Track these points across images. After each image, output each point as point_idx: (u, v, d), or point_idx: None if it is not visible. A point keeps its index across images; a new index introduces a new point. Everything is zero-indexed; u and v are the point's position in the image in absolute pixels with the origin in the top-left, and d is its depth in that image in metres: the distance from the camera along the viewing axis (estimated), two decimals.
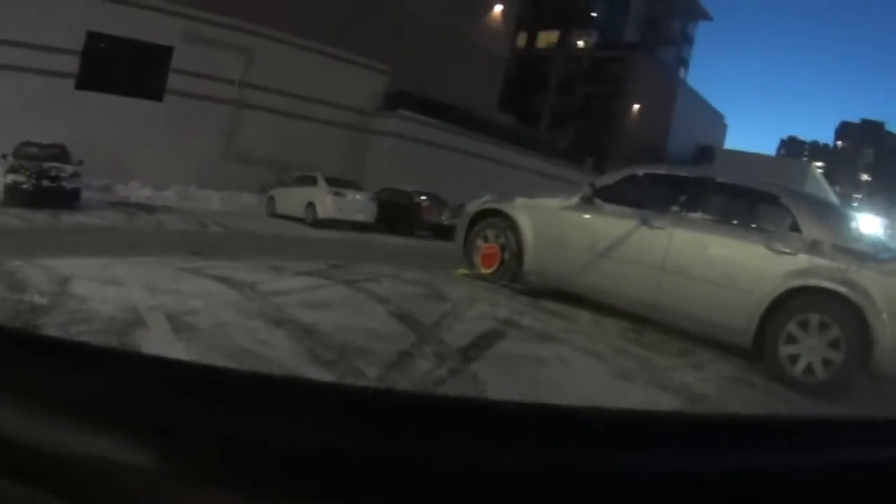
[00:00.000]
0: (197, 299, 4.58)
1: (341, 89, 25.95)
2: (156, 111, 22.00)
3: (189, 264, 6.05)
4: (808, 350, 5.28)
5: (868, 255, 5.45)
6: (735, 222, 6.05)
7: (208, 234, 13.66)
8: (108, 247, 7.65)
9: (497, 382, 3.97)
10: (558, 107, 47.05)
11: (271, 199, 21.30)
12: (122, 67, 21.56)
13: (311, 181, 19.70)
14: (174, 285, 4.99)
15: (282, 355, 3.80)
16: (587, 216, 6.63)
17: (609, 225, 6.40)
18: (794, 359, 5.33)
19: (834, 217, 6.03)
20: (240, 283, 5.27)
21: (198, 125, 22.67)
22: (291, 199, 20.05)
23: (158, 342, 3.66)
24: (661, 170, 7.16)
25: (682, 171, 7.09)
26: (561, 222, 6.74)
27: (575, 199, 6.78)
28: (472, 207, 7.53)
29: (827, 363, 5.21)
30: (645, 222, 6.19)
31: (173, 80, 22.58)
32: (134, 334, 3.73)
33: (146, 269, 5.55)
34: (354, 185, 20.43)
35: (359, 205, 19.52)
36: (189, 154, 21.97)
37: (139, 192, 20.08)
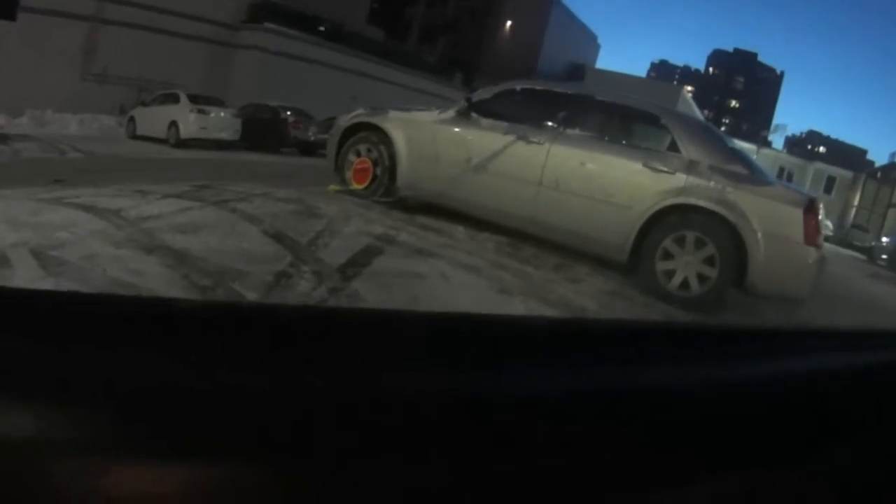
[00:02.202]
0: (62, 231, 4.30)
1: (203, 1, 24.83)
2: (8, 31, 20.44)
3: (50, 194, 5.66)
4: (684, 266, 5.45)
5: (744, 176, 5.61)
6: (613, 140, 6.10)
7: (68, 161, 12.98)
8: None
9: (378, 299, 3.93)
10: (428, 20, 46.47)
11: (131, 119, 20.37)
12: None
13: (174, 99, 18.98)
14: (37, 218, 4.65)
15: (157, 284, 3.63)
16: (463, 130, 6.54)
17: (485, 139, 6.33)
18: (669, 274, 5.49)
19: (711, 139, 6.16)
20: (105, 210, 4.98)
21: (53, 45, 21.19)
22: (153, 119, 19.22)
23: (26, 281, 3.42)
24: (539, 85, 7.11)
25: (561, 88, 7.09)
26: (436, 136, 6.62)
27: (451, 113, 6.68)
28: (344, 121, 7.31)
29: (702, 279, 5.39)
30: (522, 137, 6.15)
31: None
32: None
33: (4, 204, 5.16)
34: (218, 102, 19.78)
35: (223, 122, 18.97)
36: (44, 76, 20.62)
37: None
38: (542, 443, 0.65)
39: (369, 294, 3.95)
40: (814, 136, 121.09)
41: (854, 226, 45.03)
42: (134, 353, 0.63)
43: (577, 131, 6.13)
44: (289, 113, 20.70)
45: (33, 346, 0.61)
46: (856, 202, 48.62)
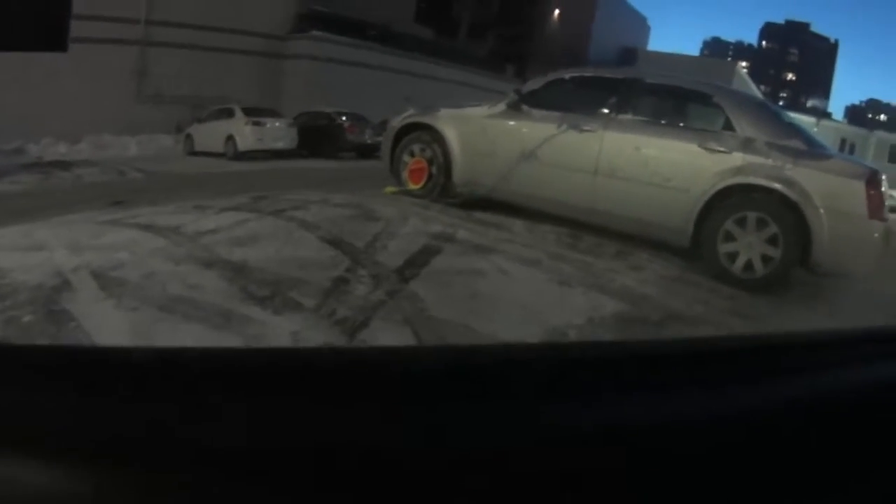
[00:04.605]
0: (122, 251, 4.36)
1: (250, 15, 25.18)
2: (61, 62, 20.96)
3: (111, 216, 5.78)
4: (747, 247, 5.34)
5: (802, 151, 5.46)
6: (667, 122, 5.99)
7: (128, 182, 13.30)
8: (25, 212, 7.29)
9: (437, 298, 3.89)
10: (476, 15, 46.36)
11: (188, 137, 20.74)
12: (18, 21, 20.36)
13: (228, 114, 19.25)
14: (97, 240, 4.75)
15: (215, 297, 3.64)
16: (515, 123, 6.49)
17: (538, 130, 6.27)
18: (732, 256, 5.38)
19: (767, 114, 6.01)
20: (164, 228, 5.05)
21: (106, 70, 21.66)
22: (209, 135, 19.53)
23: (87, 303, 3.47)
24: (588, 72, 7.05)
25: (610, 73, 7.02)
26: (488, 131, 6.59)
27: (501, 107, 6.63)
28: (396, 122, 7.33)
29: (766, 259, 5.27)
30: (575, 126, 6.08)
31: (76, 28, 21.48)
32: (62, 299, 3.51)
33: (67, 229, 5.28)
34: (273, 113, 20.02)
35: (279, 132, 19.18)
36: (100, 102, 21.07)
37: (53, 149, 19.30)
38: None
39: (428, 293, 3.92)
40: (874, 105, 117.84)
41: None
42: (139, 405, 0.60)
43: (629, 116, 6.04)
44: (343, 118, 20.84)
45: (32, 400, 0.59)
46: None
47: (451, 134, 6.73)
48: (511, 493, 0.58)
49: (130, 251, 4.40)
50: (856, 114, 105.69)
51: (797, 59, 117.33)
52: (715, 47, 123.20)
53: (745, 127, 5.62)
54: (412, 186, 6.91)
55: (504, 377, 0.74)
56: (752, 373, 0.83)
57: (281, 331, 3.34)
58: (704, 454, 0.66)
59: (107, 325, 3.24)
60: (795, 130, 5.89)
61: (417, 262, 4.56)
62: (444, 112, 6.98)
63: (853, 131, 53.05)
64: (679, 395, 0.74)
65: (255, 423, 0.60)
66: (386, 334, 3.43)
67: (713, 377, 0.82)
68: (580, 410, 0.68)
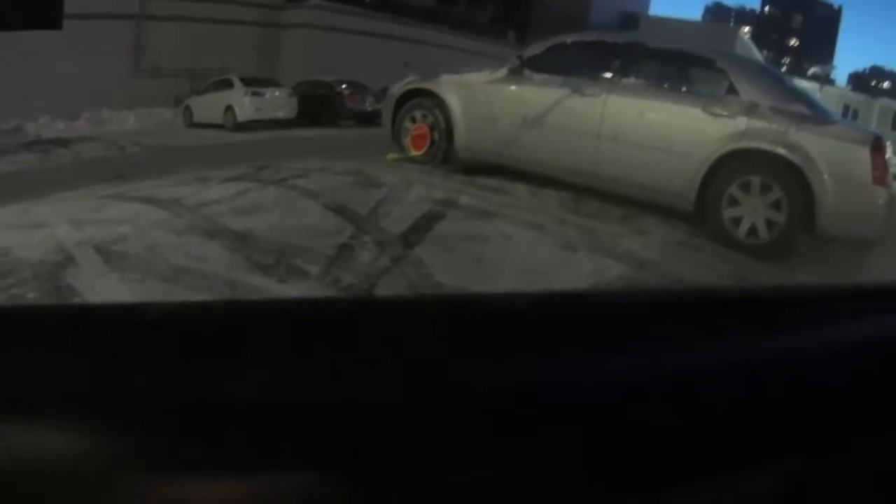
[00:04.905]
0: (125, 225, 4.40)
1: None
2: (56, 39, 20.81)
3: (112, 190, 5.80)
4: (751, 212, 5.31)
5: (806, 116, 5.43)
6: (670, 87, 5.97)
7: (127, 156, 13.29)
8: (26, 190, 7.30)
9: (441, 264, 3.90)
10: None
11: (187, 109, 20.62)
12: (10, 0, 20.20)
13: (227, 84, 19.16)
14: (99, 215, 4.78)
15: (219, 267, 3.69)
16: (517, 88, 6.45)
17: (540, 95, 6.23)
18: (737, 221, 5.36)
19: (770, 79, 5.99)
20: (166, 200, 5.08)
21: (101, 46, 21.44)
22: (208, 106, 19.42)
23: (91, 277, 3.51)
24: (590, 36, 7.00)
25: (613, 38, 6.97)
26: (490, 96, 6.55)
27: (503, 72, 6.59)
28: (397, 89, 7.27)
29: (770, 224, 5.25)
30: (577, 90, 6.04)
31: (70, 4, 21.31)
32: (65, 275, 3.54)
33: (68, 205, 5.28)
34: (272, 83, 19.91)
35: (278, 102, 19.10)
36: (97, 78, 20.86)
37: (51, 126, 19.05)
38: (543, 443, 0.59)
39: (432, 259, 3.93)
40: (878, 72, 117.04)
41: None
42: (158, 364, 0.59)
43: (632, 80, 6.01)
44: (343, 86, 20.72)
45: (56, 360, 0.58)
46: None
47: (452, 100, 6.69)
48: (511, 445, 0.57)
49: (133, 224, 4.42)
50: (859, 81, 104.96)
51: (800, 24, 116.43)
52: (717, 12, 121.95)
53: (748, 91, 5.58)
54: (414, 153, 6.88)
55: (508, 327, 0.73)
56: (751, 323, 0.81)
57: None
58: (702, 405, 0.65)
59: (111, 299, 3.24)
60: (799, 95, 5.86)
61: (421, 228, 4.57)
62: (445, 78, 6.93)
63: (856, 98, 52.59)
64: (675, 344, 0.73)
65: (256, 375, 0.59)
66: None
67: (709, 327, 0.80)
68: (582, 361, 0.67)
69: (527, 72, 6.44)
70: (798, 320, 0.85)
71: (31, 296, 3.25)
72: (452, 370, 0.63)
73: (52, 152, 14.11)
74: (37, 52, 19.80)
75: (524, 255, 4.48)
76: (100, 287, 3.38)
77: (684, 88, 5.95)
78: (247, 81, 18.98)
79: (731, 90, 5.64)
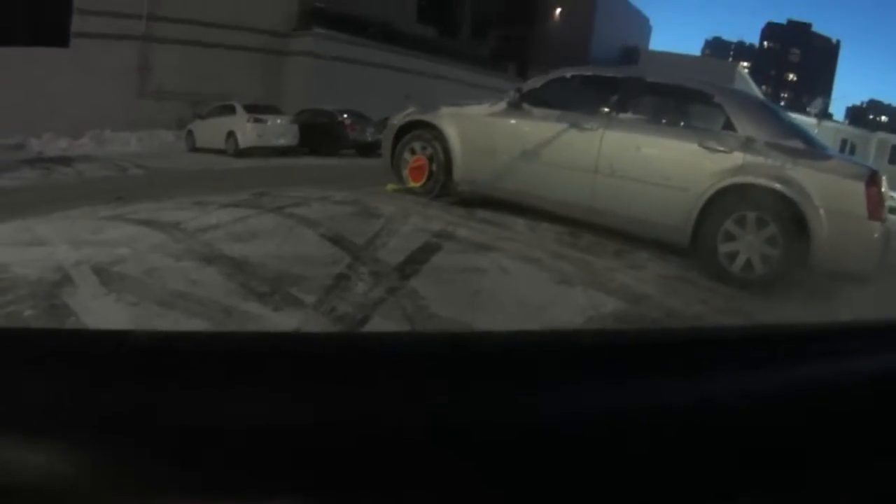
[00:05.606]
0: (123, 247, 4.40)
1: (252, 12, 25.14)
2: (62, 57, 20.94)
3: (112, 212, 5.80)
4: (747, 246, 5.34)
5: (802, 151, 5.45)
6: (667, 121, 6.00)
7: (129, 178, 13.29)
8: (27, 207, 7.33)
9: (437, 296, 3.90)
10: (478, 14, 46.33)
11: (190, 133, 20.76)
12: (20, 17, 20.36)
13: (230, 110, 19.27)
14: (98, 236, 4.78)
15: (216, 293, 3.67)
16: (515, 121, 6.50)
17: (538, 129, 6.28)
18: (732, 256, 5.38)
19: (767, 114, 6.01)
20: (165, 224, 5.09)
21: (108, 66, 21.65)
22: (211, 131, 19.55)
23: (88, 298, 3.49)
24: (588, 71, 7.04)
25: (611, 72, 7.01)
26: (489, 129, 6.60)
27: (502, 105, 6.64)
28: (397, 120, 7.35)
29: (765, 259, 5.26)
30: (575, 124, 6.09)
31: (78, 23, 21.48)
32: (62, 294, 3.53)
33: (68, 224, 5.30)
34: (274, 110, 20.03)
35: (280, 129, 19.19)
36: (101, 97, 21.05)
37: (55, 144, 19.28)
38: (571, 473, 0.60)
39: (428, 291, 3.93)
40: (875, 106, 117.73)
41: None
42: (136, 389, 0.61)
43: (629, 115, 6.03)
44: (345, 116, 20.83)
45: (41, 383, 0.59)
46: None
47: (451, 132, 6.74)
48: (503, 478, 0.59)
49: (131, 247, 4.42)
50: (857, 114, 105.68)
51: (798, 59, 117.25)
52: (716, 47, 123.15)
53: (745, 126, 5.61)
54: (413, 184, 6.92)
55: (501, 363, 0.74)
56: (749, 361, 0.83)
57: (281, 327, 3.35)
58: (697, 439, 0.67)
59: (107, 320, 3.24)
60: (795, 130, 5.88)
61: (418, 259, 4.58)
62: (445, 110, 6.99)
63: (854, 132, 52.78)
64: (675, 382, 0.75)
65: (248, 404, 0.60)
66: None
67: (709, 365, 0.82)
68: (575, 398, 0.69)
69: (526, 105, 6.49)
70: (793, 357, 0.87)
71: (28, 314, 3.25)
72: (432, 402, 0.65)
73: (55, 170, 14.10)
74: (43, 70, 19.95)
75: (520, 288, 4.48)
76: (96, 308, 3.36)
77: (682, 123, 5.97)
78: (249, 108, 19.08)
79: (728, 125, 5.68)
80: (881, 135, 52.49)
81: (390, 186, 7.05)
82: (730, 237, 5.40)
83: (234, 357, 0.69)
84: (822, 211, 5.11)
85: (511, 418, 0.64)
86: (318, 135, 19.94)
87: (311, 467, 0.55)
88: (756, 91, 45.91)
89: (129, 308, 3.42)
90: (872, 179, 5.20)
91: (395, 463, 0.57)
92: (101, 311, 3.34)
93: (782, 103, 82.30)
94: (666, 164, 5.71)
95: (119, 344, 0.72)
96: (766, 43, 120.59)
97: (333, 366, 0.69)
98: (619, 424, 0.66)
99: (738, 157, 5.46)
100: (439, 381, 0.68)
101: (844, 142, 45.79)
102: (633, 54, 45.96)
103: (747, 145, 5.48)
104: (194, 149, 19.95)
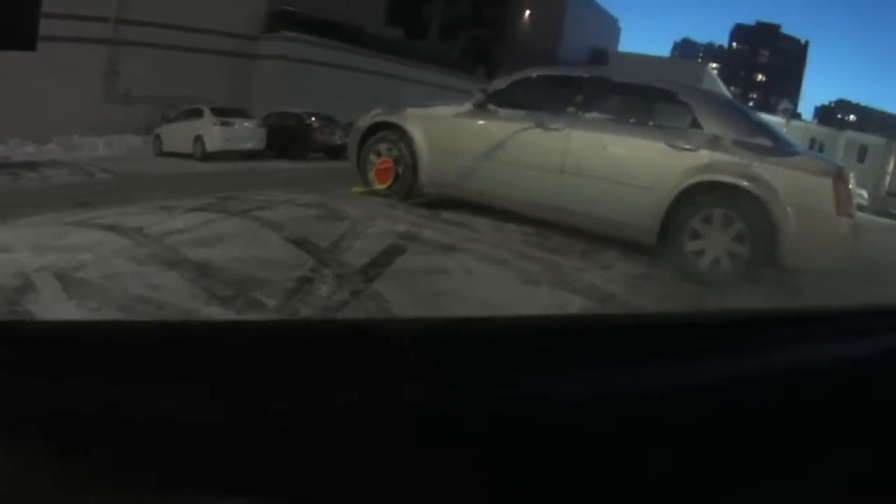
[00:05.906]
0: (86, 252, 4.36)
1: (221, 15, 24.97)
2: (29, 61, 20.65)
3: (76, 217, 5.76)
4: (714, 244, 5.35)
5: (769, 148, 5.49)
6: (634, 121, 6.01)
7: (96, 183, 13.27)
8: None
9: (401, 298, 3.90)
10: (447, 16, 46.42)
11: (157, 137, 20.60)
12: None
13: (197, 114, 19.15)
14: (62, 241, 4.74)
15: (177, 297, 3.66)
16: (481, 122, 6.49)
17: (504, 129, 6.27)
18: (699, 253, 5.40)
19: (733, 112, 6.05)
20: (129, 228, 5.04)
21: (75, 70, 21.36)
22: (178, 135, 19.39)
23: (50, 304, 3.48)
24: (554, 71, 7.06)
25: (577, 72, 7.03)
26: (455, 130, 6.59)
27: (468, 106, 6.63)
28: (363, 122, 7.31)
29: (733, 256, 5.28)
30: (541, 124, 6.08)
31: (45, 26, 21.20)
32: (24, 300, 3.51)
33: (32, 230, 5.26)
34: (242, 114, 19.93)
35: (248, 133, 19.11)
36: (68, 102, 20.78)
37: (21, 150, 19.00)
38: (554, 458, 0.59)
39: (392, 293, 3.93)
40: (844, 105, 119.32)
41: (890, 193, 43.88)
42: (130, 384, 0.59)
43: (595, 114, 6.03)
44: (313, 119, 20.77)
45: (21, 381, 0.58)
46: (890, 169, 47.46)
47: (417, 133, 6.72)
48: (493, 464, 0.58)
49: (94, 252, 4.39)
50: (826, 114, 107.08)
51: (767, 59, 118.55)
52: (685, 48, 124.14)
53: (711, 124, 5.63)
54: (379, 186, 6.89)
55: (482, 349, 0.74)
56: (731, 347, 0.84)
57: None
58: (683, 425, 0.66)
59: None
60: (762, 128, 5.93)
61: (382, 261, 4.57)
62: (410, 111, 6.96)
63: (823, 131, 53.39)
64: (662, 366, 0.75)
65: (221, 396, 0.59)
66: None
67: (694, 350, 0.82)
68: (566, 382, 0.68)
69: (491, 106, 6.48)
70: (763, 343, 0.87)
71: None
72: (409, 393, 0.63)
73: (21, 176, 14.05)
74: (9, 74, 19.62)
75: (485, 289, 4.48)
76: (57, 314, 3.36)
77: (648, 122, 5.98)
78: (217, 111, 18.97)
79: (695, 123, 5.69)
80: (850, 133, 53.21)
81: (356, 189, 7.02)
82: (696, 235, 5.42)
83: (200, 349, 0.68)
84: (789, 207, 5.13)
85: (483, 407, 0.63)
86: (287, 138, 19.87)
87: (289, 462, 0.54)
88: (724, 91, 46.39)
89: (91, 313, 3.40)
90: (839, 175, 5.25)
91: (372, 455, 0.56)
92: (62, 317, 3.31)
93: (751, 104, 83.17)
94: (632, 163, 5.72)
95: (78, 336, 0.70)
96: (734, 44, 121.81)
97: (309, 354, 0.68)
98: (593, 412, 0.66)
99: (704, 155, 5.47)
100: (418, 369, 0.68)
101: (813, 141, 46.28)
102: (602, 56, 46.20)
103: (714, 143, 5.50)
104: (162, 153, 19.81)
